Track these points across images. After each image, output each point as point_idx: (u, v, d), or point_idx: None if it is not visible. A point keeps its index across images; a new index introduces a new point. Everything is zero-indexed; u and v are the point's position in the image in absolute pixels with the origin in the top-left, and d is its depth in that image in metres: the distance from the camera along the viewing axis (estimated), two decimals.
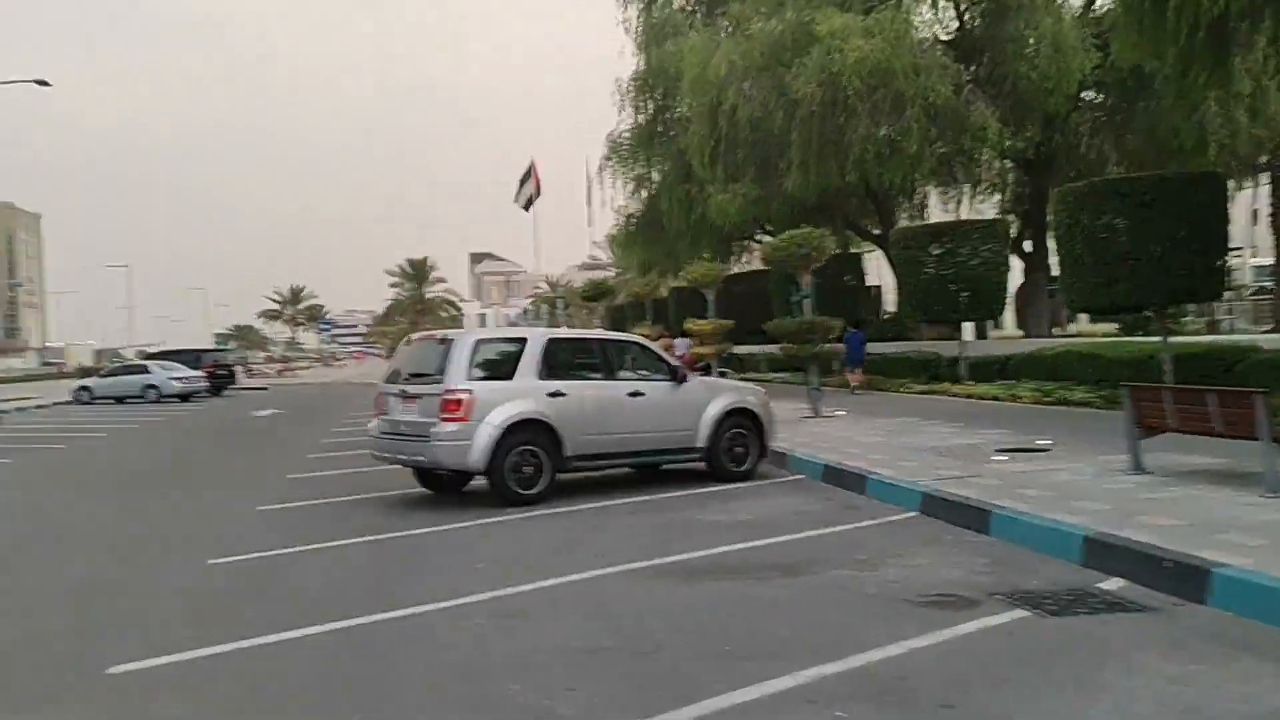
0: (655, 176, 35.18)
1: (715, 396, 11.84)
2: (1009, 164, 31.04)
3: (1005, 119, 25.64)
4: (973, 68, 26.95)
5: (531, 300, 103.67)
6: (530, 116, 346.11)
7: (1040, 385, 19.49)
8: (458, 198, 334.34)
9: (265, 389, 48.95)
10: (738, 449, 11.83)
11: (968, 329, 36.18)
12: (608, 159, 35.40)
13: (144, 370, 38.97)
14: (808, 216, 27.80)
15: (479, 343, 10.80)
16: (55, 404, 37.08)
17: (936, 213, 36.99)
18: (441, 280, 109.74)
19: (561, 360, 11.19)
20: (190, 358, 42.73)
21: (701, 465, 11.89)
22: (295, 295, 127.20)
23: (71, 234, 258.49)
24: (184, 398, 37.43)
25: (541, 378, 10.77)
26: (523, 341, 11.00)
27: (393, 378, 11.48)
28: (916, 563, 7.32)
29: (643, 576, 7.22)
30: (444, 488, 11.59)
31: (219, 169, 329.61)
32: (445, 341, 10.91)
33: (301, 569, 7.94)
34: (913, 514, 9.24)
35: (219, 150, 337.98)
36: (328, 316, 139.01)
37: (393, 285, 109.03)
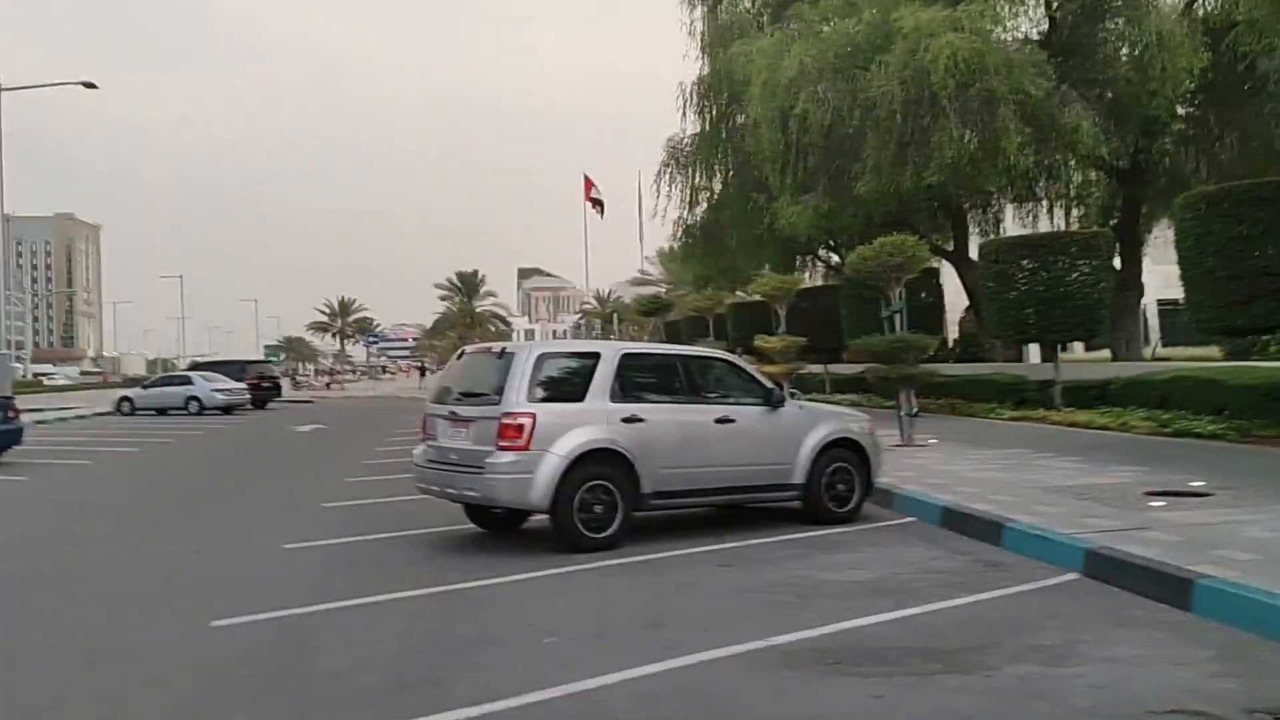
0: (717, 186, 33.53)
1: (815, 424, 10.15)
2: (1097, 174, 29.03)
3: (1100, 123, 23.73)
4: (1064, 69, 25.10)
5: (580, 316, 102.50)
6: (582, 130, 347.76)
7: (1152, 414, 17.52)
8: (506, 213, 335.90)
9: (311, 402, 47.90)
10: (840, 486, 10.13)
11: (1033, 351, 34.28)
12: (666, 165, 33.74)
13: (187, 381, 38.01)
14: (878, 230, 26.10)
15: (543, 357, 9.18)
16: (96, 415, 36.12)
17: (1012, 228, 35.06)
18: (491, 294, 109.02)
19: (638, 379, 9.57)
20: (235, 369, 41.88)
21: (795, 504, 10.22)
22: (344, 308, 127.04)
23: (129, 245, 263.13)
24: (226, 410, 36.37)
25: (615, 400, 9.15)
26: (594, 356, 9.37)
27: (441, 397, 9.86)
28: (1118, 654, 5.59)
29: (762, 665, 5.55)
30: (498, 526, 10.01)
31: (272, 181, 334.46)
32: (504, 355, 9.30)
33: (325, 637, 6.37)
34: (1074, 576, 7.49)
35: (272, 163, 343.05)
36: (377, 329, 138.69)
37: (442, 299, 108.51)
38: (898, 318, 16.21)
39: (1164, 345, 40.88)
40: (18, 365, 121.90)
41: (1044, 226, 32.89)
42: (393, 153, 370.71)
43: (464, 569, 8.23)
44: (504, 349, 9.52)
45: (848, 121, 24.78)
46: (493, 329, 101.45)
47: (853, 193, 25.37)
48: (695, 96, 32.24)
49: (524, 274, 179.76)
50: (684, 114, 32.52)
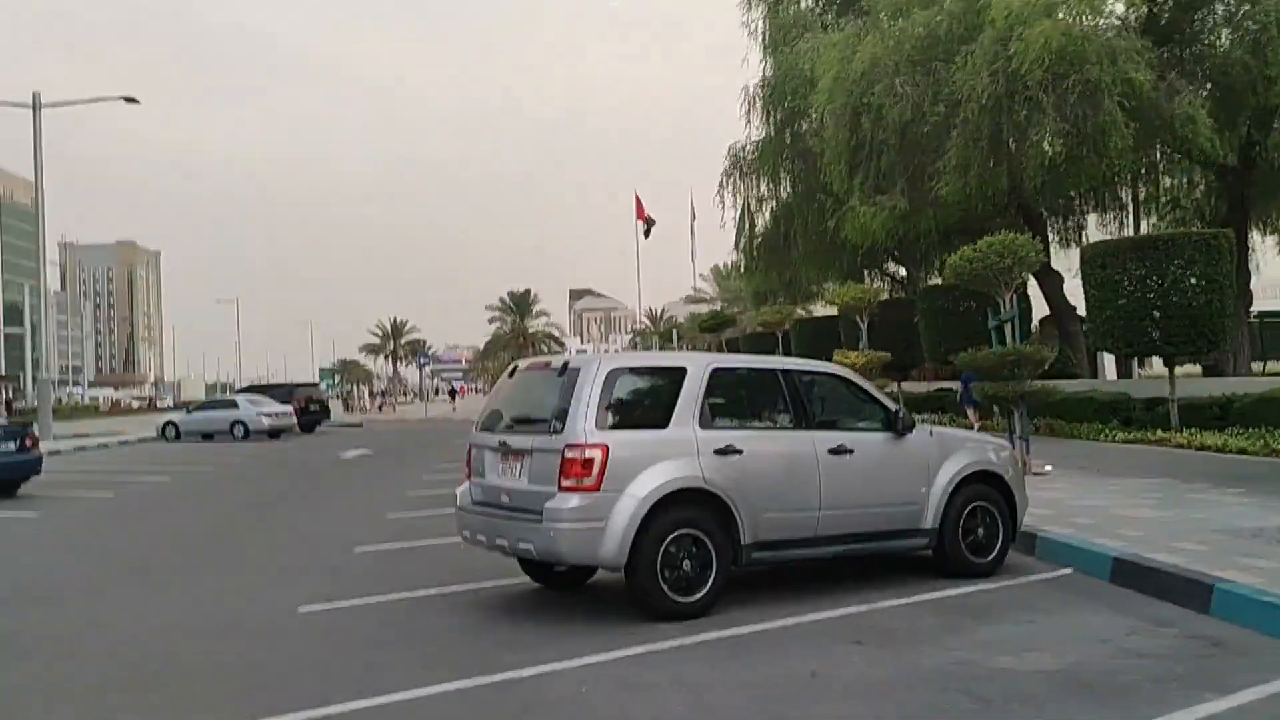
0: (782, 193, 31.69)
1: (948, 454, 8.18)
2: (1202, 173, 26.79)
3: (1213, 113, 21.57)
4: (1166, 58, 22.98)
5: (633, 335, 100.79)
6: (635, 149, 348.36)
7: None
8: (558, 234, 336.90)
9: (359, 425, 46.56)
10: (980, 531, 8.19)
11: (1109, 365, 31.85)
12: (728, 174, 31.94)
13: (232, 405, 36.76)
14: (955, 238, 24.23)
15: (614, 373, 7.28)
16: (141, 440, 34.96)
17: (1095, 235, 32.84)
18: (544, 315, 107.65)
19: (733, 401, 7.75)
20: (283, 393, 40.65)
21: (925, 553, 8.30)
22: (397, 330, 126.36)
23: (188, 271, 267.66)
24: (273, 434, 35.05)
25: (705, 426, 7.27)
26: (679, 372, 7.47)
27: (489, 423, 8.02)
28: None
29: None
30: (559, 581, 8.17)
31: (324, 205, 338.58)
32: (566, 371, 7.41)
33: None
34: None
35: (325, 187, 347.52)
36: (429, 351, 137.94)
37: (493, 320, 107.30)
38: (1008, 328, 14.21)
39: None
40: (75, 390, 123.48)
41: (1128, 233, 30.70)
42: (445, 175, 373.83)
43: (519, 646, 6.43)
44: (566, 363, 7.59)
45: (928, 117, 22.93)
46: (545, 348, 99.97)
47: (932, 195, 23.46)
48: (759, 100, 30.54)
49: (575, 295, 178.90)
50: (747, 119, 30.83)
